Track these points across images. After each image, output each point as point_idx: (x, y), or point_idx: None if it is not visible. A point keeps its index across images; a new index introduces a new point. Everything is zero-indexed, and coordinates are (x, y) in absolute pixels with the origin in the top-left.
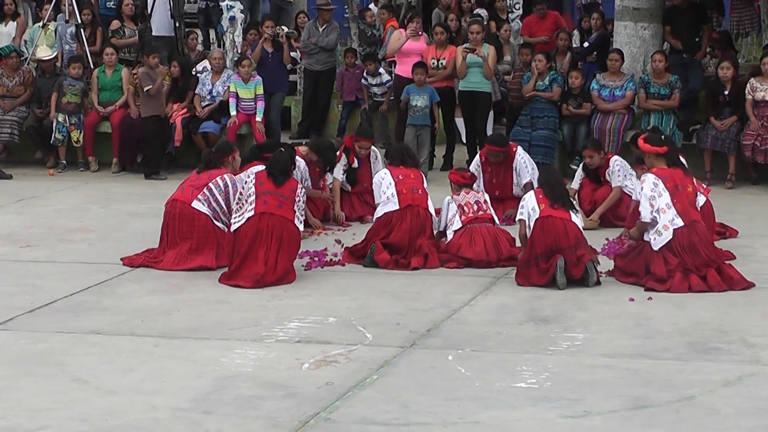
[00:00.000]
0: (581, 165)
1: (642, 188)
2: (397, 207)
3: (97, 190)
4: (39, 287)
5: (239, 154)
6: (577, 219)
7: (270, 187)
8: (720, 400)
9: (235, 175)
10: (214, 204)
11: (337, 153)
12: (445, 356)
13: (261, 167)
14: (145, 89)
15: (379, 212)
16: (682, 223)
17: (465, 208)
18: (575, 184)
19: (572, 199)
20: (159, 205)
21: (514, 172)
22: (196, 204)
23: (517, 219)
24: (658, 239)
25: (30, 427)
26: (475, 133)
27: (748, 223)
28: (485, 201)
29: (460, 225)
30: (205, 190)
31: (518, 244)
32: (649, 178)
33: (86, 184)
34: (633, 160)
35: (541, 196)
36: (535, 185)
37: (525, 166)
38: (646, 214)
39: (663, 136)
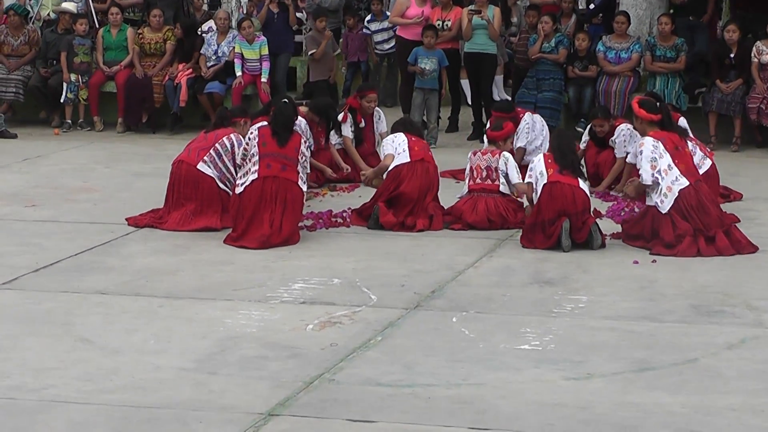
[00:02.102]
0: (588, 127)
1: (641, 151)
2: (408, 159)
3: (102, 150)
4: (44, 247)
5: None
6: (585, 186)
7: (273, 148)
8: (723, 363)
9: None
10: (220, 165)
11: (341, 115)
12: (449, 318)
13: (264, 123)
14: (309, 53)
15: (390, 166)
16: (687, 183)
17: (475, 172)
18: (581, 144)
19: (581, 166)
20: (164, 166)
21: (515, 136)
22: (201, 166)
23: (525, 181)
24: (665, 201)
25: (35, 386)
26: (480, 95)
27: (752, 186)
28: (496, 168)
29: (467, 190)
30: (211, 151)
31: (524, 203)
32: (648, 140)
33: (91, 143)
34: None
35: (550, 161)
36: (539, 143)
37: (526, 131)
38: (647, 177)
39: (658, 103)
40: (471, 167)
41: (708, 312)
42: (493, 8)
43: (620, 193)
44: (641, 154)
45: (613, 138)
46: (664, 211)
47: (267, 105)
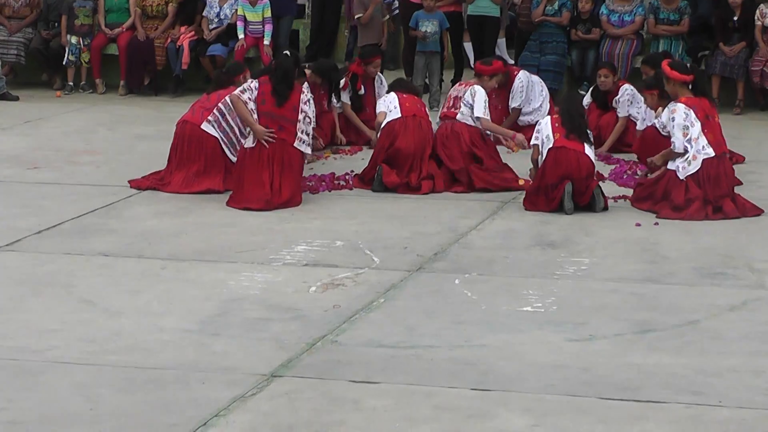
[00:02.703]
0: (591, 89)
1: (673, 118)
2: (399, 115)
3: (104, 113)
4: (46, 209)
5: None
6: (591, 151)
7: (271, 107)
8: (724, 325)
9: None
10: (224, 125)
11: (342, 82)
12: (452, 280)
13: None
14: (356, 17)
15: (383, 123)
16: (713, 153)
17: (446, 101)
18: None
19: (589, 132)
20: (166, 128)
21: (510, 95)
22: (205, 126)
23: (531, 144)
24: (687, 168)
25: (38, 348)
26: (483, 58)
27: (755, 149)
28: (460, 96)
29: (438, 120)
30: (215, 110)
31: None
32: (680, 107)
33: (93, 106)
34: (642, 85)
35: (557, 125)
36: (538, 104)
37: (520, 91)
38: (679, 145)
39: (689, 64)
40: (447, 97)
41: (710, 274)
42: None
43: (650, 163)
44: (673, 121)
45: (616, 98)
46: (682, 177)
47: (269, 65)
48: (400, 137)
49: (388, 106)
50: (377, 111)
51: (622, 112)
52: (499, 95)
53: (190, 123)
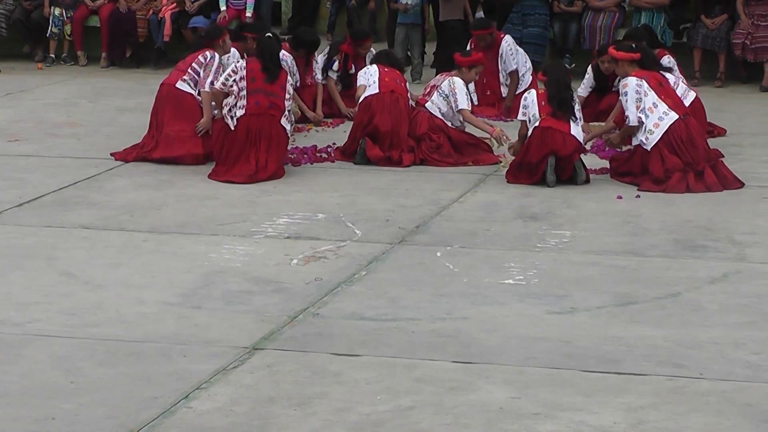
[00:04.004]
0: (591, 69)
1: (626, 92)
2: (377, 90)
3: (86, 85)
4: (27, 181)
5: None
6: (577, 130)
7: (261, 84)
8: (705, 297)
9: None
10: (198, 80)
11: (335, 60)
12: (434, 253)
13: (235, 51)
14: None
15: (361, 98)
16: (676, 116)
17: (424, 90)
18: (584, 92)
19: (577, 106)
20: (148, 100)
21: (499, 60)
22: (180, 84)
23: (518, 118)
24: (650, 138)
25: (19, 321)
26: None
27: (736, 122)
28: (438, 86)
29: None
30: (189, 70)
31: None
32: (631, 80)
33: (75, 78)
34: None
35: (543, 103)
36: (521, 73)
37: (511, 53)
38: (633, 118)
39: (634, 44)
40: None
41: (691, 246)
42: None
43: (607, 142)
44: (626, 96)
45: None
46: (648, 148)
47: (237, 28)
48: (378, 114)
49: (368, 79)
50: (358, 84)
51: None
52: (486, 56)
53: (166, 84)
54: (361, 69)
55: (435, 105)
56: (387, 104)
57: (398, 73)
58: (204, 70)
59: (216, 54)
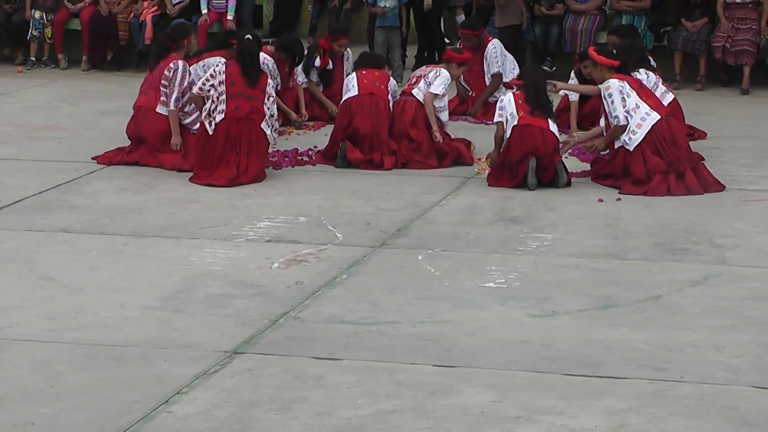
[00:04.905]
0: (573, 73)
1: (610, 94)
2: (356, 93)
3: (66, 88)
4: (7, 185)
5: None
6: (555, 127)
7: (241, 87)
8: (686, 300)
9: (187, 60)
10: (169, 95)
11: (316, 57)
12: (415, 256)
13: (222, 59)
14: None
15: (342, 101)
16: (658, 116)
17: (410, 80)
18: (575, 96)
19: (553, 107)
20: (129, 103)
21: (485, 61)
22: (160, 109)
23: (495, 120)
24: (633, 138)
25: None
26: (428, 29)
27: (717, 124)
28: (425, 75)
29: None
30: (161, 88)
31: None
32: (613, 82)
33: (56, 81)
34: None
35: (521, 102)
36: (506, 78)
37: (496, 57)
38: (622, 118)
39: (615, 51)
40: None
41: (672, 249)
42: None
43: (590, 148)
44: (610, 97)
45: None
46: (631, 148)
47: (224, 35)
48: (357, 116)
49: (347, 85)
50: (343, 97)
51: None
52: (472, 57)
53: (144, 108)
54: (339, 66)
55: (421, 92)
56: (366, 106)
57: (379, 74)
58: (170, 86)
59: (179, 63)
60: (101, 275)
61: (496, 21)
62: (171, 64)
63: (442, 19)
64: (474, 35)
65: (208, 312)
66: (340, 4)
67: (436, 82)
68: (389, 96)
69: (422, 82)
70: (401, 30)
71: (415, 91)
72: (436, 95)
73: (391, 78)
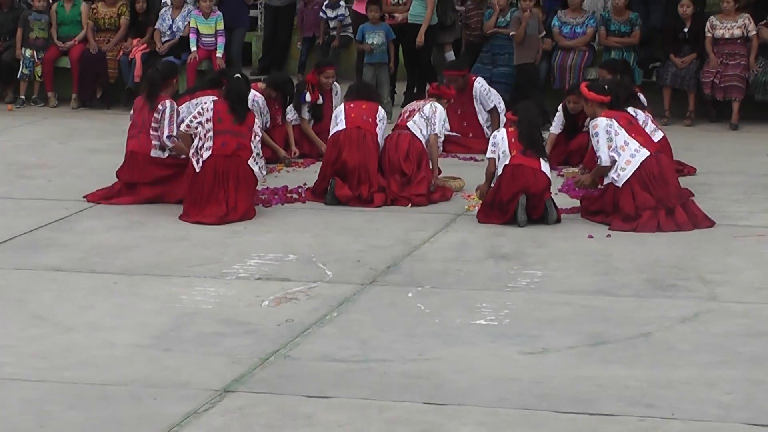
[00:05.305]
0: (561, 108)
1: (596, 133)
2: (344, 126)
3: (56, 126)
4: None
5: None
6: (547, 167)
7: (229, 125)
8: (677, 336)
9: (179, 99)
10: (160, 136)
11: (306, 92)
12: (405, 293)
13: (215, 98)
14: (510, 34)
15: (330, 135)
16: (648, 153)
17: (401, 115)
18: (555, 129)
19: (544, 145)
20: (118, 141)
21: (475, 101)
22: (154, 153)
23: (486, 157)
24: (621, 174)
25: None
26: (416, 65)
27: (706, 160)
28: (419, 109)
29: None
30: (151, 131)
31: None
32: (601, 121)
33: (45, 119)
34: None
35: (513, 140)
36: (501, 114)
37: (486, 93)
38: (605, 158)
39: (606, 86)
40: (402, 111)
41: (662, 286)
42: None
43: (578, 183)
44: (596, 136)
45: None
46: (620, 184)
47: (217, 74)
48: (345, 150)
49: (335, 118)
50: (331, 131)
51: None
52: (459, 99)
53: (138, 153)
54: (328, 101)
55: (417, 126)
56: (354, 139)
57: (367, 106)
58: (160, 127)
59: (167, 103)
60: (91, 314)
61: (514, 59)
62: (159, 105)
63: (431, 56)
64: (460, 76)
65: (199, 350)
66: (328, 42)
67: (437, 122)
68: (377, 129)
69: (417, 115)
70: (389, 66)
71: (410, 124)
72: (438, 136)
73: (379, 108)
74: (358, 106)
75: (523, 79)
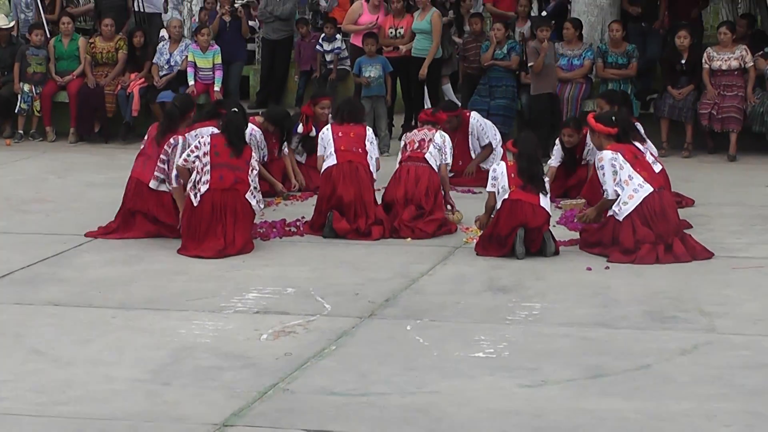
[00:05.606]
0: (559, 140)
1: (602, 166)
2: (335, 162)
3: (54, 160)
4: None
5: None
6: (546, 202)
7: (226, 158)
8: (676, 369)
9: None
10: (168, 171)
11: (299, 123)
12: (404, 326)
13: (214, 130)
14: (529, 65)
15: (322, 170)
16: (651, 189)
17: (408, 145)
18: (554, 162)
19: (545, 180)
20: (117, 175)
21: (470, 137)
22: (153, 184)
23: (486, 190)
24: (623, 208)
25: None
26: (422, 100)
27: (704, 192)
28: (430, 140)
29: (398, 164)
30: (159, 163)
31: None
32: (606, 154)
33: (44, 154)
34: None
35: (513, 175)
36: (496, 147)
37: (482, 128)
38: (611, 191)
39: (614, 117)
40: (405, 143)
41: (661, 318)
42: (434, 11)
43: (582, 218)
44: (602, 169)
45: (586, 148)
46: (621, 218)
47: (214, 105)
48: (339, 185)
49: (325, 147)
50: (317, 153)
51: (593, 160)
52: (453, 138)
53: (143, 183)
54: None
55: (433, 157)
56: (347, 173)
57: (355, 134)
58: (169, 161)
59: (179, 139)
60: (90, 348)
61: (531, 89)
62: (171, 140)
63: (426, 88)
64: (454, 116)
65: (197, 384)
66: (325, 75)
67: (448, 152)
68: (368, 156)
69: (432, 147)
70: (386, 99)
71: (428, 156)
72: (448, 166)
73: (367, 131)
74: (346, 135)
75: (540, 110)
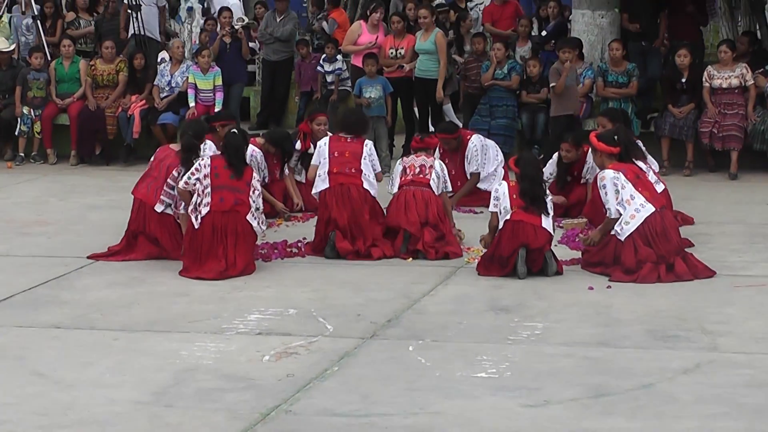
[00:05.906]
0: (556, 156)
1: (604, 185)
2: (327, 185)
3: (55, 183)
4: None
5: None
6: (548, 223)
7: (226, 180)
8: (679, 388)
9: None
10: (175, 195)
11: (296, 142)
12: (406, 347)
13: (211, 144)
14: (551, 85)
15: (315, 190)
16: (653, 209)
17: (408, 170)
18: (545, 173)
19: (548, 200)
20: (118, 197)
21: (465, 159)
22: (158, 207)
23: (490, 209)
24: (625, 228)
25: None
26: (428, 120)
27: (705, 210)
28: (431, 167)
29: (397, 188)
30: (166, 188)
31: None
32: (608, 173)
33: (45, 176)
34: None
35: (515, 196)
36: (493, 168)
37: (476, 155)
38: (614, 210)
39: (616, 136)
40: (404, 167)
41: (663, 337)
42: (437, 31)
43: (587, 242)
44: (604, 189)
45: (585, 166)
46: (623, 238)
47: (204, 120)
48: (333, 209)
49: (319, 159)
50: (312, 162)
51: (592, 178)
52: (453, 159)
53: (149, 207)
54: None
55: (435, 184)
56: (339, 197)
57: (350, 152)
58: (176, 189)
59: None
60: (92, 371)
61: (551, 110)
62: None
63: (430, 108)
64: (453, 138)
65: (199, 406)
66: (326, 96)
67: (448, 180)
68: (363, 175)
69: (434, 174)
70: (386, 120)
71: (432, 184)
72: (451, 191)
73: (365, 146)
74: (341, 155)
75: (559, 132)
